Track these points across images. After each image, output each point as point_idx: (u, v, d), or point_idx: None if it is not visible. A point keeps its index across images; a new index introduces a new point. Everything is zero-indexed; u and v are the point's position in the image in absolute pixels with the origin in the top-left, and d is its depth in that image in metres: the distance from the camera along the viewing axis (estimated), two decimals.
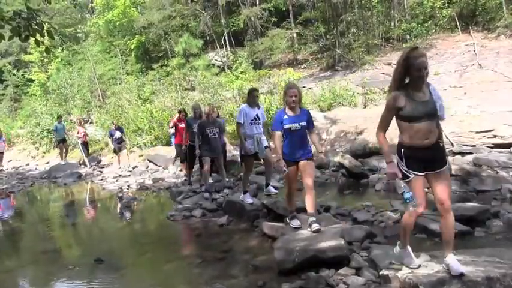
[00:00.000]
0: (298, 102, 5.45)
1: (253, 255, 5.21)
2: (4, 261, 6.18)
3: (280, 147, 5.41)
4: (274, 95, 16.51)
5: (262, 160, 7.69)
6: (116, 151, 15.06)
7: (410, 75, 3.60)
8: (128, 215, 8.89)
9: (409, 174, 3.68)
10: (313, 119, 5.67)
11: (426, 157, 3.65)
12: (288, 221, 5.65)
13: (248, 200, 7.10)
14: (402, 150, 3.78)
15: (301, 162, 5.40)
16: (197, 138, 8.69)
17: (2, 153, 17.44)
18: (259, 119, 7.12)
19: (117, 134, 14.84)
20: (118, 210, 9.45)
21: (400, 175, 3.70)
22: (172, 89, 21.22)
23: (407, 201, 3.58)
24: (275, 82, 18.34)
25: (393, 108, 3.68)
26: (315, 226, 5.06)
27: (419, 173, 3.67)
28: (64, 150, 16.92)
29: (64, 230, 8.31)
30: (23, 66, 33.48)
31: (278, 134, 5.40)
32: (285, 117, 5.39)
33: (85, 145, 16.50)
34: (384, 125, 3.87)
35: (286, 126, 5.35)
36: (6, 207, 10.72)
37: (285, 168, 5.37)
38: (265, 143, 7.24)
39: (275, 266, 4.62)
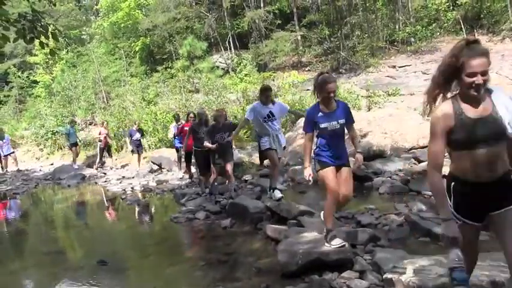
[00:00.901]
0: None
1: (257, 258, 5.19)
2: (8, 263, 6.18)
3: (309, 153, 4.67)
4: (278, 97, 16.49)
5: (268, 161, 7.67)
6: (134, 152, 14.39)
7: (460, 80, 2.50)
8: (131, 216, 8.90)
9: (457, 220, 2.58)
10: None
11: (487, 197, 2.52)
12: (327, 240, 4.57)
13: (278, 195, 7.09)
14: (452, 184, 2.65)
15: (342, 169, 4.69)
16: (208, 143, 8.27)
17: (6, 156, 17.40)
18: (273, 116, 6.95)
19: (137, 136, 14.16)
20: (121, 212, 9.46)
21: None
22: (176, 91, 21.28)
23: (454, 283, 2.51)
24: (279, 85, 18.35)
25: (443, 131, 2.54)
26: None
27: (473, 223, 2.62)
28: (75, 154, 16.50)
29: (67, 232, 8.31)
30: (28, 68, 33.63)
31: (309, 136, 4.63)
32: (320, 114, 4.56)
33: (107, 148, 15.93)
34: (435, 161, 2.62)
35: (322, 126, 4.54)
36: None
37: (310, 178, 4.65)
38: (283, 141, 7.15)
39: (278, 268, 4.60)
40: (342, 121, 4.56)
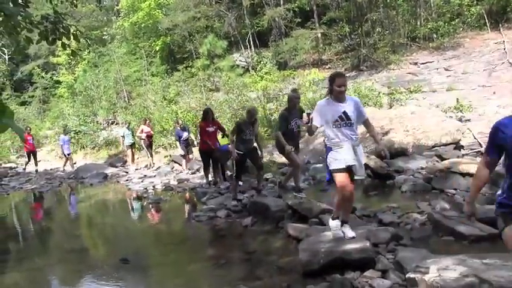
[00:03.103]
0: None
1: (278, 257, 5.18)
2: (34, 258, 6.30)
3: None
4: None
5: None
6: (184, 154, 13.29)
7: None
8: (152, 215, 8.97)
9: None
10: None
11: None
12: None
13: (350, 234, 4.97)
14: None
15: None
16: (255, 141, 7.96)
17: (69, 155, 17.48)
18: (348, 118, 4.69)
19: (185, 135, 13.04)
20: (143, 210, 9.55)
21: None
22: (197, 90, 21.36)
23: None
24: (300, 83, 18.27)
25: None
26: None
27: None
28: (132, 155, 15.83)
29: (90, 230, 8.43)
30: (51, 68, 34.15)
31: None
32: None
33: (150, 146, 15.17)
34: None
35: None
36: None
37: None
38: (363, 158, 4.91)
39: (300, 267, 4.58)
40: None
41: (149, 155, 15.24)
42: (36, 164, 17.63)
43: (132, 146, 15.57)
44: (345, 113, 4.66)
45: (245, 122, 8.19)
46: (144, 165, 15.62)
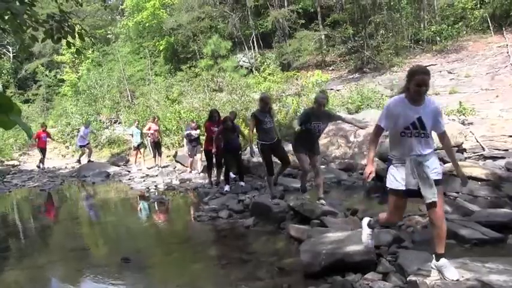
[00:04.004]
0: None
1: (279, 258, 5.18)
2: (35, 256, 6.31)
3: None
4: (301, 96, 16.46)
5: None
6: (192, 155, 12.84)
7: None
8: (154, 214, 8.99)
9: None
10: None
11: None
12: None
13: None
14: None
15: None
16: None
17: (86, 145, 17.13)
18: (422, 127, 3.67)
19: (194, 133, 12.52)
20: (145, 210, 9.56)
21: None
22: (200, 90, 21.39)
23: None
24: (303, 84, 18.29)
25: None
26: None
27: None
28: (140, 155, 15.46)
29: (92, 228, 8.44)
30: (55, 67, 34.30)
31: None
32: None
33: (156, 144, 14.67)
34: None
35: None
36: None
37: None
38: (436, 173, 3.72)
39: (301, 268, 4.59)
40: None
41: (155, 155, 14.83)
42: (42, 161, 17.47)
43: (139, 146, 15.24)
44: (419, 119, 3.65)
45: (260, 111, 7.68)
46: (149, 166, 15.09)
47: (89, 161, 16.74)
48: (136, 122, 15.86)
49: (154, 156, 14.91)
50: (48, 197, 12.08)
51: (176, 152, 15.20)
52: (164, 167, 14.57)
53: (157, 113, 18.21)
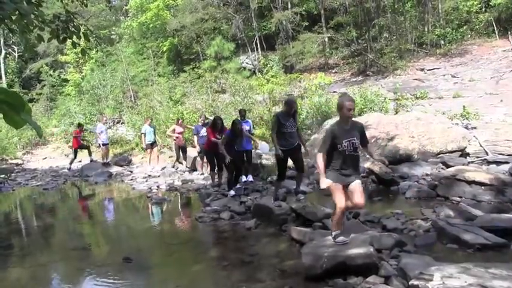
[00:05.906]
0: None
1: (281, 260, 5.18)
2: (37, 255, 6.33)
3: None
4: (304, 99, 16.45)
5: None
6: (199, 152, 12.46)
7: None
8: (156, 215, 8.99)
9: None
10: None
11: None
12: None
13: None
14: None
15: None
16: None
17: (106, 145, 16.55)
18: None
19: (203, 131, 11.79)
20: (147, 210, 9.57)
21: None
22: (203, 91, 21.41)
23: None
24: (306, 86, 18.28)
25: None
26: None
27: None
28: (152, 154, 15.02)
29: (94, 228, 8.44)
30: (59, 66, 34.40)
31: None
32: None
33: (182, 149, 14.23)
34: None
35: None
36: None
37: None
38: None
39: (302, 271, 4.58)
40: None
41: (178, 158, 14.44)
42: (89, 154, 16.69)
43: (152, 144, 14.89)
44: None
45: (284, 114, 7.28)
46: (162, 167, 14.74)
47: (91, 160, 16.69)
48: (149, 120, 15.31)
49: (178, 159, 14.52)
50: (51, 196, 12.10)
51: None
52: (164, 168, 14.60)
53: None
